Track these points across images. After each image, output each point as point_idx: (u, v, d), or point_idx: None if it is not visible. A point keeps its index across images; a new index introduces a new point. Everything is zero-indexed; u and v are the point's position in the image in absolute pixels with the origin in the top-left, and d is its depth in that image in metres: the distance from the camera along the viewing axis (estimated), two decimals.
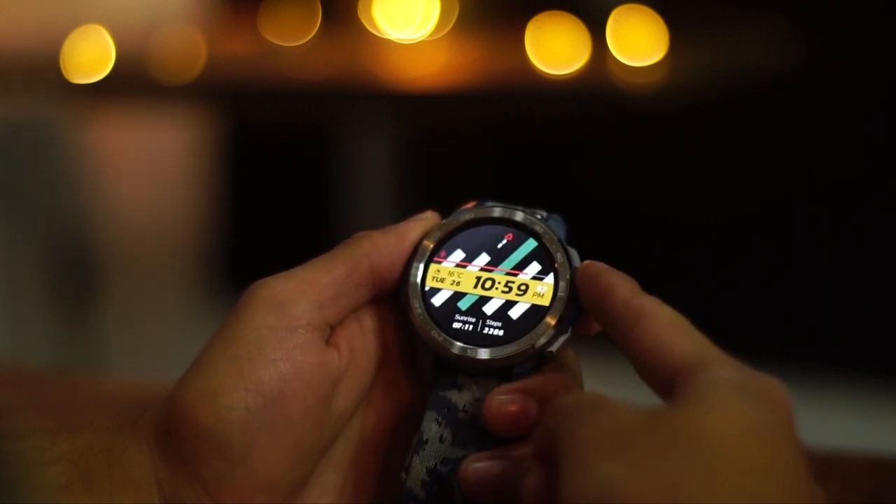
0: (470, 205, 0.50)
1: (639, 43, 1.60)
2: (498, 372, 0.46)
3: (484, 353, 0.46)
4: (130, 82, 1.76)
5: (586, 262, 0.46)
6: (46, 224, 2.13)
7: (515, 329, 0.46)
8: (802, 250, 1.91)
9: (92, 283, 2.17)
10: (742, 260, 1.96)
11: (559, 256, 0.47)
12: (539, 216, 0.49)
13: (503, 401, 0.44)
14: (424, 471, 0.45)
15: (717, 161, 1.96)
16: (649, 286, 0.44)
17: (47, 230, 2.12)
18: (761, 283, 1.95)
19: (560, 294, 0.46)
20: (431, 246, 0.48)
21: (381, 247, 0.47)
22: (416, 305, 0.47)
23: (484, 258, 0.48)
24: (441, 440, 0.46)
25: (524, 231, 0.48)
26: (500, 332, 0.46)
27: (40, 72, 1.74)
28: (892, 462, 0.61)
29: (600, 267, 0.45)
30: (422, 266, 0.48)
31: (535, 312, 0.46)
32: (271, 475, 0.44)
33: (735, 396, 0.38)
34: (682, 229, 1.99)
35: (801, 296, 1.92)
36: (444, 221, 0.49)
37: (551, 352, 0.46)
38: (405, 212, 0.51)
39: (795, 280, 1.92)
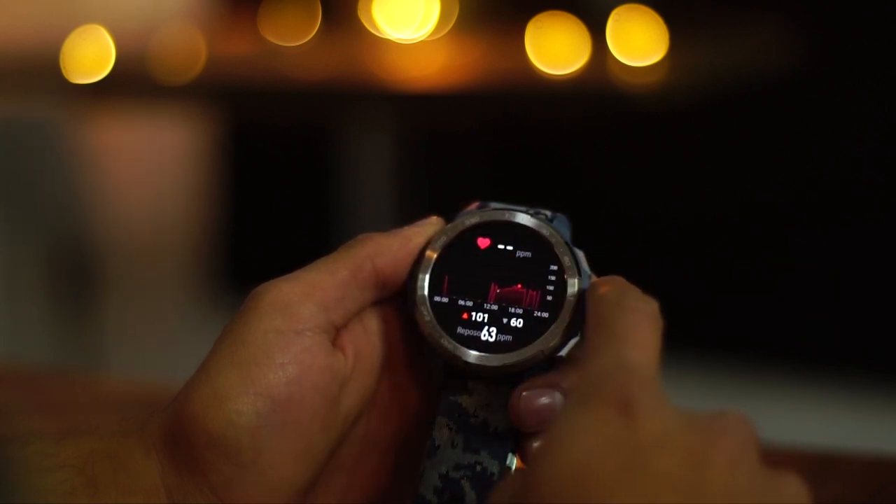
0: (473, 206, 0.49)
1: (639, 43, 1.60)
2: (509, 377, 0.46)
3: (494, 360, 0.46)
4: (130, 82, 1.76)
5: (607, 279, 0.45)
6: (47, 224, 2.13)
7: (525, 334, 0.46)
8: (803, 250, 1.91)
9: (92, 283, 2.17)
10: (742, 259, 1.96)
11: (566, 259, 0.47)
12: (544, 216, 0.48)
13: (531, 395, 0.45)
14: (437, 476, 0.45)
15: (718, 161, 1.96)
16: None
17: (47, 230, 2.12)
18: (762, 282, 1.95)
19: (568, 297, 0.46)
20: (437, 251, 0.48)
21: (385, 249, 0.47)
22: (425, 313, 0.47)
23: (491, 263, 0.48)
24: (453, 446, 0.45)
25: (530, 234, 0.48)
26: (510, 338, 0.46)
27: (40, 72, 1.74)
28: (892, 462, 0.61)
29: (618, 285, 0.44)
30: (428, 273, 0.47)
31: (545, 317, 0.46)
32: (280, 478, 0.44)
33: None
34: (682, 229, 1.99)
35: (801, 295, 1.92)
36: (448, 225, 0.48)
37: (561, 356, 0.46)
38: (406, 212, 0.51)
39: (796, 279, 1.92)
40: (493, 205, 0.49)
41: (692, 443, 0.36)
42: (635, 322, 0.40)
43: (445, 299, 0.47)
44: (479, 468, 0.45)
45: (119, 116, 2.17)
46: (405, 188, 1.95)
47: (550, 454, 0.35)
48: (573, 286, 0.46)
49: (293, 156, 2.30)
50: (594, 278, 0.47)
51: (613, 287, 0.43)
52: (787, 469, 0.37)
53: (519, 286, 0.47)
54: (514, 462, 0.46)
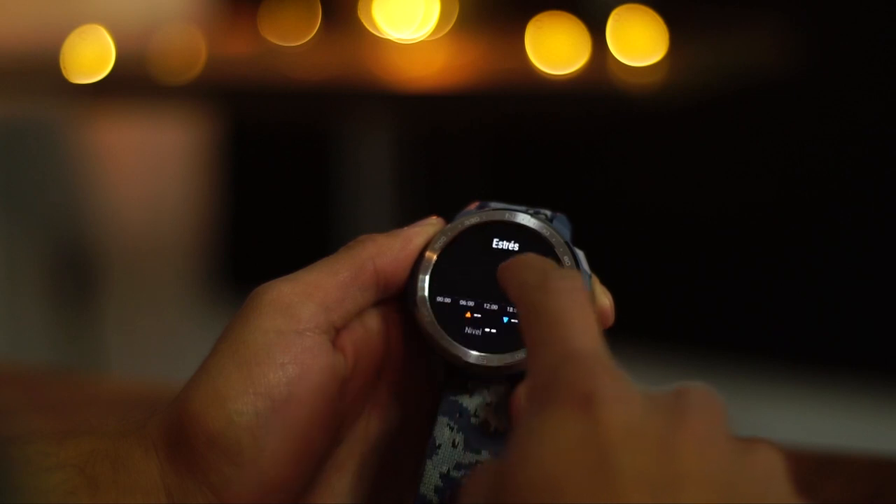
0: (473, 206, 0.49)
1: (639, 43, 1.60)
2: (510, 377, 0.46)
3: (495, 360, 0.46)
4: (130, 82, 1.76)
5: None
6: (46, 224, 2.13)
7: None
8: (802, 249, 1.91)
9: (92, 282, 2.17)
10: (742, 259, 1.96)
11: (566, 259, 0.47)
12: (544, 216, 0.48)
13: None
14: (437, 476, 0.45)
15: (717, 161, 1.96)
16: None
17: (47, 230, 2.12)
18: (761, 282, 1.95)
19: None
20: (437, 252, 0.48)
21: (386, 250, 0.47)
22: (425, 313, 0.47)
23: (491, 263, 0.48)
24: (454, 445, 0.45)
25: (530, 234, 0.48)
26: (511, 338, 0.46)
27: (40, 72, 1.74)
28: (892, 462, 0.61)
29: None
30: (429, 273, 0.47)
31: None
32: (280, 478, 0.44)
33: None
34: (682, 229, 1.99)
35: (800, 295, 1.92)
36: (448, 226, 0.48)
37: None
38: (406, 212, 0.50)
39: (795, 280, 1.92)
40: (493, 205, 0.49)
41: (657, 429, 0.34)
42: (567, 303, 0.39)
43: (446, 299, 0.47)
44: None
45: (119, 116, 2.17)
46: (405, 188, 1.95)
47: (515, 465, 0.34)
48: None
49: (293, 156, 2.30)
50: (594, 278, 0.47)
51: (529, 269, 0.41)
52: (758, 439, 0.36)
53: None
54: None
